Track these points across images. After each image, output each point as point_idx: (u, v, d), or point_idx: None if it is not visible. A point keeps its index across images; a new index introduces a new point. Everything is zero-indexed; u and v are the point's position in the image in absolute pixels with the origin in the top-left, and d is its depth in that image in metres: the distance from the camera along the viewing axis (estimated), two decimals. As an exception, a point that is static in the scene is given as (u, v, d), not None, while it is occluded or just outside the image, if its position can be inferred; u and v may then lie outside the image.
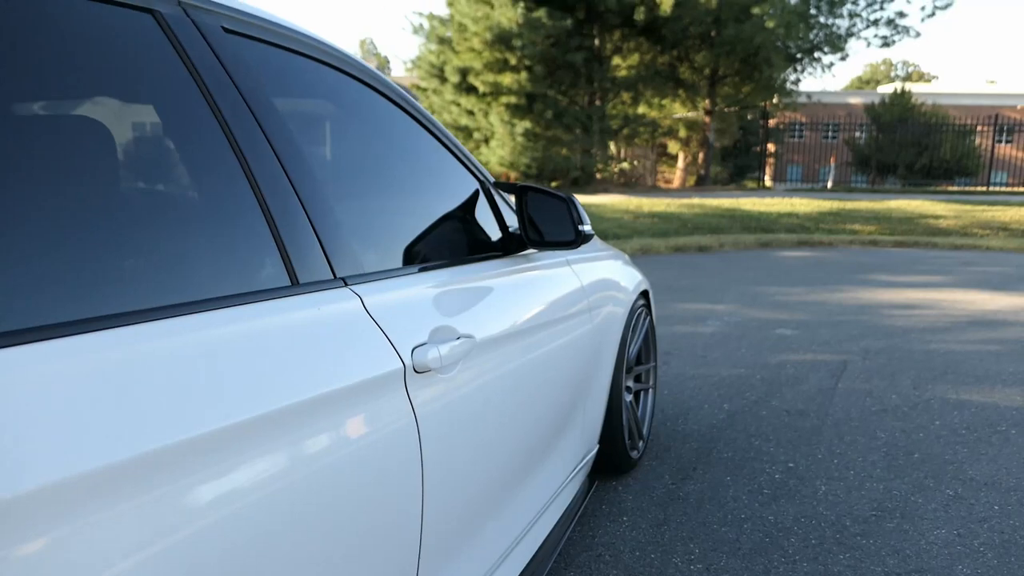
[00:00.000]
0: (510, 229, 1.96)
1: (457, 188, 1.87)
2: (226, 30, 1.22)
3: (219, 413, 0.92)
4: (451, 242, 1.80)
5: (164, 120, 1.15)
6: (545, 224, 1.89)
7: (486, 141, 20.26)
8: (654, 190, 21.38)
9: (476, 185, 1.91)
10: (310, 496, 1.04)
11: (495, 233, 1.93)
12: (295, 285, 1.16)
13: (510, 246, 1.94)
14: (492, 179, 1.99)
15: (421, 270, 1.56)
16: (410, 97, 1.67)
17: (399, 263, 1.54)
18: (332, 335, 1.17)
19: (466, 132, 20.81)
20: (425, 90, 21.63)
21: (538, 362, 1.87)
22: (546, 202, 1.89)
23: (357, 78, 1.54)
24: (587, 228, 1.92)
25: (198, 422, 0.89)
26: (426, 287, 1.51)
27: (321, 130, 1.59)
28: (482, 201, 1.92)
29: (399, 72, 41.94)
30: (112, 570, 0.76)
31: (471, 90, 19.42)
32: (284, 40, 1.36)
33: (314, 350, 1.12)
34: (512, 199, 1.99)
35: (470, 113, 20.16)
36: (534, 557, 1.90)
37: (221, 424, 0.91)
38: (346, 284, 1.26)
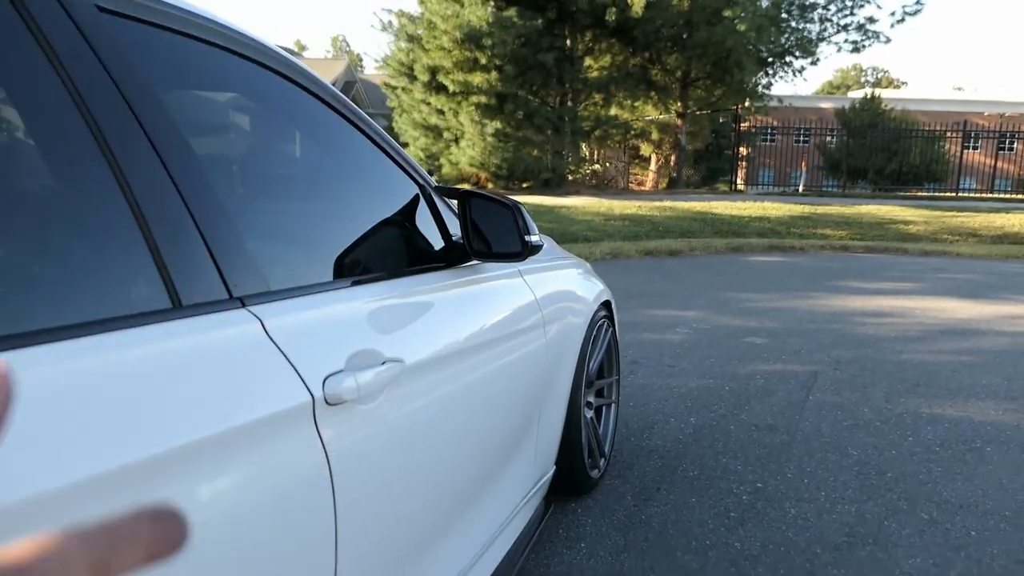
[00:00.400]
0: (454, 238, 1.78)
1: (392, 193, 1.69)
2: (101, 9, 1.03)
3: (75, 463, 0.74)
4: (383, 253, 1.63)
5: (9, 114, 0.96)
6: (491, 233, 1.72)
7: (456, 141, 20.02)
8: (626, 192, 21.30)
9: (415, 190, 1.73)
10: (191, 556, 0.86)
11: (437, 242, 1.75)
12: (177, 308, 0.98)
13: (454, 257, 1.76)
14: (434, 183, 1.81)
15: (344, 286, 1.37)
16: (336, 92, 1.49)
17: (318, 279, 1.36)
18: (220, 366, 0.99)
19: (436, 132, 20.55)
20: (395, 88, 21.34)
21: (482, 384, 1.70)
22: (491, 209, 1.72)
23: (271, 68, 1.36)
24: (535, 238, 1.75)
25: (50, 474, 0.72)
26: (349, 305, 1.33)
27: (225, 128, 1.41)
28: (422, 207, 1.74)
29: (371, 70, 41.57)
30: None
31: (441, 89, 19.15)
32: (177, 23, 1.17)
33: (194, 385, 0.93)
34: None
35: (440, 112, 19.90)
36: None
37: (77, 477, 0.74)
38: (244, 305, 1.07)
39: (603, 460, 2.84)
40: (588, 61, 21.23)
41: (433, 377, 1.46)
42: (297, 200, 1.50)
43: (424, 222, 1.74)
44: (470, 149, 19.44)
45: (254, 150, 1.52)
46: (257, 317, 1.07)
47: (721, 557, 2.30)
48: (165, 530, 0.27)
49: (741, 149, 26.22)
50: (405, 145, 20.80)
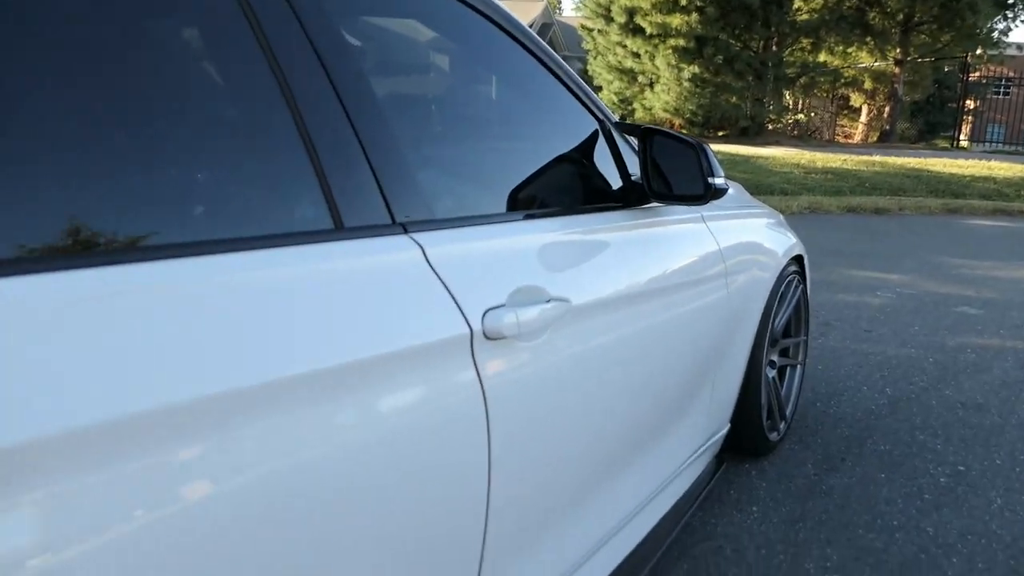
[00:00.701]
0: (633, 178, 1.69)
1: (570, 127, 1.61)
2: None
3: (234, 372, 0.76)
4: (555, 189, 1.56)
5: (185, 31, 0.97)
6: (672, 173, 1.61)
7: (651, 85, 19.44)
8: (831, 145, 19.92)
9: (594, 125, 1.64)
10: (340, 477, 0.86)
11: (615, 181, 1.67)
12: (338, 229, 0.97)
13: (631, 197, 1.67)
14: (614, 119, 1.71)
15: (511, 220, 1.33)
16: (516, 19, 1.42)
17: (485, 211, 1.32)
18: (379, 290, 0.97)
19: (631, 75, 20.04)
20: (591, 31, 20.99)
21: (653, 332, 1.61)
22: (673, 148, 1.61)
23: None
24: (719, 181, 1.62)
25: (211, 379, 0.74)
26: (516, 239, 1.29)
27: (402, 57, 1.38)
28: (601, 144, 1.66)
29: (569, 12, 41.24)
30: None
31: (638, 31, 18.57)
32: None
33: (350, 306, 0.92)
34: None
35: (636, 55, 19.34)
36: (642, 543, 1.68)
37: (235, 385, 0.76)
38: (406, 231, 1.05)
39: (783, 423, 2.68)
40: (797, 3, 19.81)
41: (601, 320, 1.39)
42: (468, 130, 1.46)
43: (602, 160, 1.66)
44: (665, 94, 18.85)
45: (431, 81, 1.50)
46: (418, 244, 1.05)
47: (909, 540, 2.11)
48: None
49: (968, 102, 23.69)
50: (599, 89, 20.52)
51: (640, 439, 1.65)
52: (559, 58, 1.54)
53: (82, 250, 0.73)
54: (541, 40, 1.49)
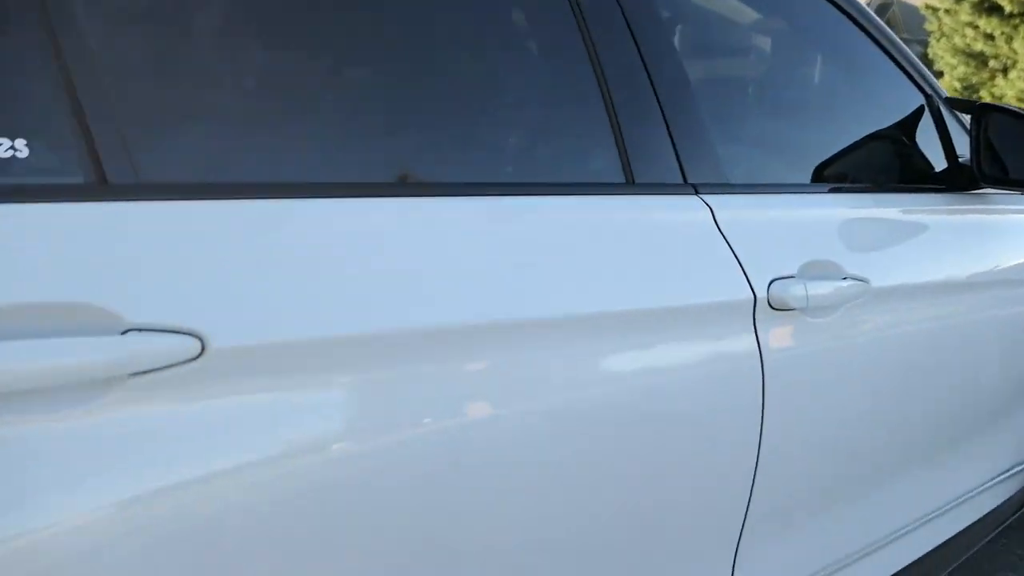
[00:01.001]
0: (961, 160, 1.53)
1: (890, 100, 1.50)
2: None
3: (532, 305, 0.85)
4: (867, 164, 1.47)
5: (515, 12, 1.07)
6: (1010, 156, 1.43)
7: (1004, 71, 17.10)
8: None
9: (920, 100, 1.51)
10: (609, 419, 0.92)
11: (939, 162, 1.53)
12: (629, 184, 1.01)
13: (957, 180, 1.52)
14: (944, 94, 1.56)
15: (813, 192, 1.28)
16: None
17: (784, 180, 1.29)
18: (664, 245, 1.01)
19: (980, 60, 17.79)
20: (936, 10, 18.93)
21: (967, 330, 1.47)
22: (1015, 128, 1.43)
23: None
24: None
25: (519, 305, 0.84)
26: (814, 212, 1.24)
27: (707, 21, 1.38)
28: (926, 121, 1.52)
29: (913, -8, 37.50)
30: None
31: (994, 10, 16.41)
32: None
33: (638, 258, 0.97)
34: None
35: (989, 37, 17.10)
36: (920, 560, 1.55)
37: (524, 316, 0.85)
38: (696, 192, 1.06)
39: None
40: None
41: (905, 307, 1.30)
42: (778, 101, 1.42)
43: (926, 138, 1.53)
44: (1021, 82, 16.55)
45: (739, 46, 1.48)
46: (708, 205, 1.06)
47: None
48: None
49: None
50: (940, 75, 18.53)
51: (932, 443, 1.51)
52: (883, 25, 1.44)
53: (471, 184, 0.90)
54: (862, 5, 1.40)
